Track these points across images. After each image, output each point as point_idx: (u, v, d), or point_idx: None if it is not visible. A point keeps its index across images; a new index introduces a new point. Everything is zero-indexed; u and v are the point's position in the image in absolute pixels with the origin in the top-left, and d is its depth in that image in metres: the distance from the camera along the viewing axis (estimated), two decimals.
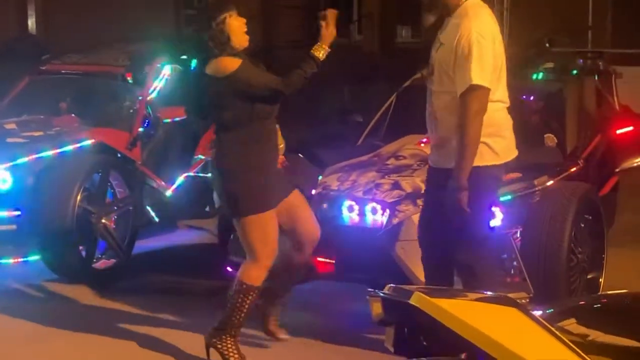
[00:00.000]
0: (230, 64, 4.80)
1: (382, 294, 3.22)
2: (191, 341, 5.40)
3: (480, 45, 4.51)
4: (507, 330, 2.81)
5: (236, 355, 4.96)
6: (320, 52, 4.82)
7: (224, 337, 4.95)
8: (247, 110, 4.82)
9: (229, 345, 4.95)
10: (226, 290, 6.13)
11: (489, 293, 3.31)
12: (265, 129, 4.91)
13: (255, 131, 4.86)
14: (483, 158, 4.60)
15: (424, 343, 3.27)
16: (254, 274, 4.93)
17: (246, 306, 4.91)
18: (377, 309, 3.22)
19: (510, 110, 4.79)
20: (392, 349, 3.30)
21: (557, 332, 2.82)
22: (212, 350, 5.00)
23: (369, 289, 3.43)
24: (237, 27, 4.84)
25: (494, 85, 4.57)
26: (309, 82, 4.84)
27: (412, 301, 2.92)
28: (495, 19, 4.74)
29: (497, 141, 4.66)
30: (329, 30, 4.84)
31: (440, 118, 4.70)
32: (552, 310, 3.31)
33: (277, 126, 5.08)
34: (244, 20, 4.87)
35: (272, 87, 4.81)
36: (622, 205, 7.43)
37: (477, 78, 4.49)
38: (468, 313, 2.83)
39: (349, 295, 5.62)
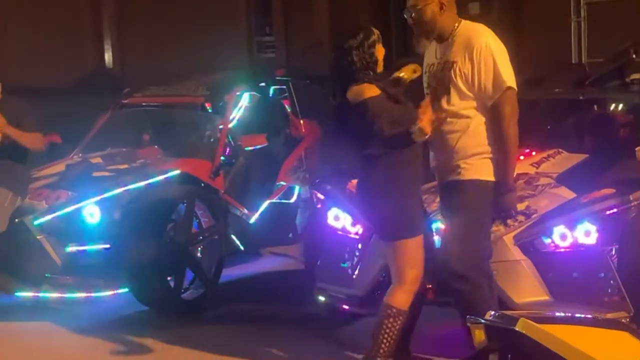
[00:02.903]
0: (368, 91, 4.73)
1: (484, 321, 3.14)
2: None
3: (501, 52, 4.76)
4: (620, 356, 2.70)
5: None
6: (417, 134, 4.60)
7: None
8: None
9: None
10: (314, 317, 6.13)
11: (598, 316, 3.20)
12: (410, 152, 4.78)
13: (401, 154, 4.77)
14: (492, 172, 4.77)
15: None
16: (402, 298, 4.86)
17: (396, 331, 4.83)
18: (479, 336, 3.15)
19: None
20: None
21: None
22: None
23: (469, 317, 3.36)
24: (382, 52, 4.81)
25: None
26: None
27: (518, 327, 2.85)
28: None
29: None
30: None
31: (454, 135, 4.80)
32: None
33: None
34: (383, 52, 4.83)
35: (382, 128, 4.67)
36: None
37: (510, 80, 4.73)
38: (578, 338, 2.74)
39: None
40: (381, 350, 4.84)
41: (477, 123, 4.81)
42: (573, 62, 12.24)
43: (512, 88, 4.74)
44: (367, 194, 4.92)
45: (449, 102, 4.82)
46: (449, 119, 4.80)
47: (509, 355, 3.18)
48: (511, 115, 4.74)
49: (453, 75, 4.79)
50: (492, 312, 3.17)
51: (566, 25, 12.67)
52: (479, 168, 4.80)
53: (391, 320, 4.82)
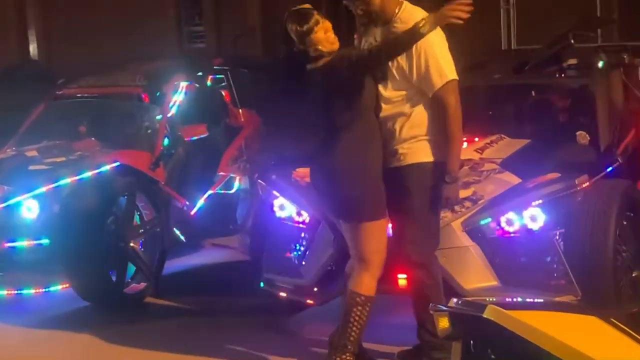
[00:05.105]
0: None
1: (448, 308, 3.12)
2: None
3: (440, 42, 4.72)
4: (590, 340, 2.71)
5: None
6: (426, 26, 4.58)
7: (344, 355, 4.75)
8: (347, 100, 4.68)
9: None
10: (259, 308, 6.07)
11: (567, 301, 3.21)
12: (372, 127, 4.76)
13: (365, 128, 4.72)
14: (441, 153, 4.76)
15: (492, 356, 3.18)
16: (370, 284, 4.76)
17: (365, 318, 4.74)
18: (443, 323, 3.13)
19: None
20: None
21: None
22: None
23: (433, 304, 3.34)
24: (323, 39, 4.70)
25: None
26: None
27: (486, 314, 2.83)
28: None
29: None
30: (446, 11, 4.58)
31: (391, 121, 4.79)
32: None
33: None
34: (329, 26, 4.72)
35: (350, 56, 4.67)
36: None
37: (451, 73, 4.70)
38: (547, 324, 2.74)
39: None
40: (351, 338, 4.76)
41: (415, 109, 4.77)
42: (503, 48, 12.36)
43: (454, 80, 4.72)
44: (329, 177, 4.78)
45: (385, 88, 4.79)
46: (384, 105, 4.78)
47: (472, 342, 3.17)
48: (456, 107, 4.72)
49: (390, 64, 4.75)
50: (456, 299, 3.16)
51: (496, 11, 12.80)
52: (416, 151, 4.78)
53: (360, 308, 4.74)
